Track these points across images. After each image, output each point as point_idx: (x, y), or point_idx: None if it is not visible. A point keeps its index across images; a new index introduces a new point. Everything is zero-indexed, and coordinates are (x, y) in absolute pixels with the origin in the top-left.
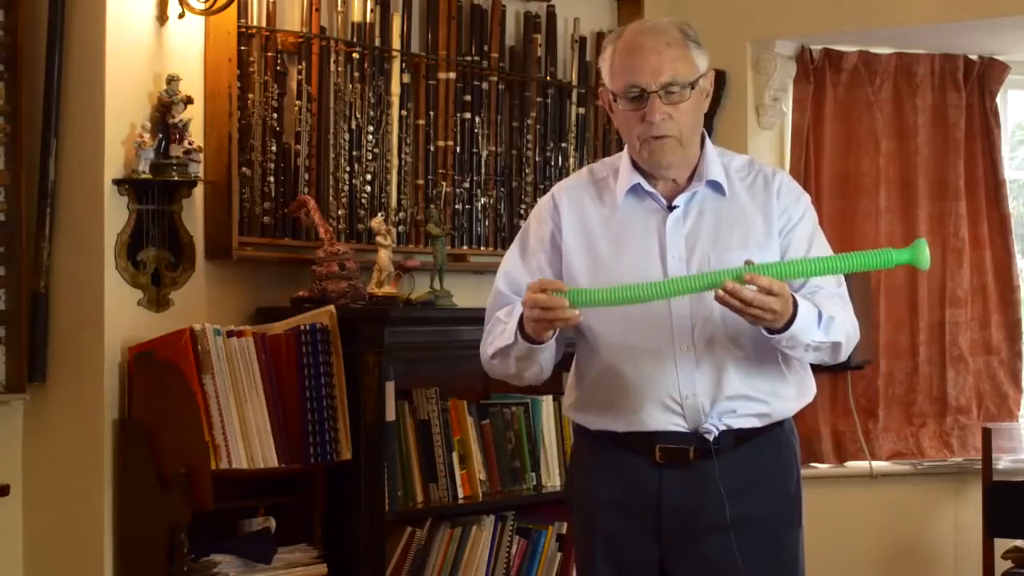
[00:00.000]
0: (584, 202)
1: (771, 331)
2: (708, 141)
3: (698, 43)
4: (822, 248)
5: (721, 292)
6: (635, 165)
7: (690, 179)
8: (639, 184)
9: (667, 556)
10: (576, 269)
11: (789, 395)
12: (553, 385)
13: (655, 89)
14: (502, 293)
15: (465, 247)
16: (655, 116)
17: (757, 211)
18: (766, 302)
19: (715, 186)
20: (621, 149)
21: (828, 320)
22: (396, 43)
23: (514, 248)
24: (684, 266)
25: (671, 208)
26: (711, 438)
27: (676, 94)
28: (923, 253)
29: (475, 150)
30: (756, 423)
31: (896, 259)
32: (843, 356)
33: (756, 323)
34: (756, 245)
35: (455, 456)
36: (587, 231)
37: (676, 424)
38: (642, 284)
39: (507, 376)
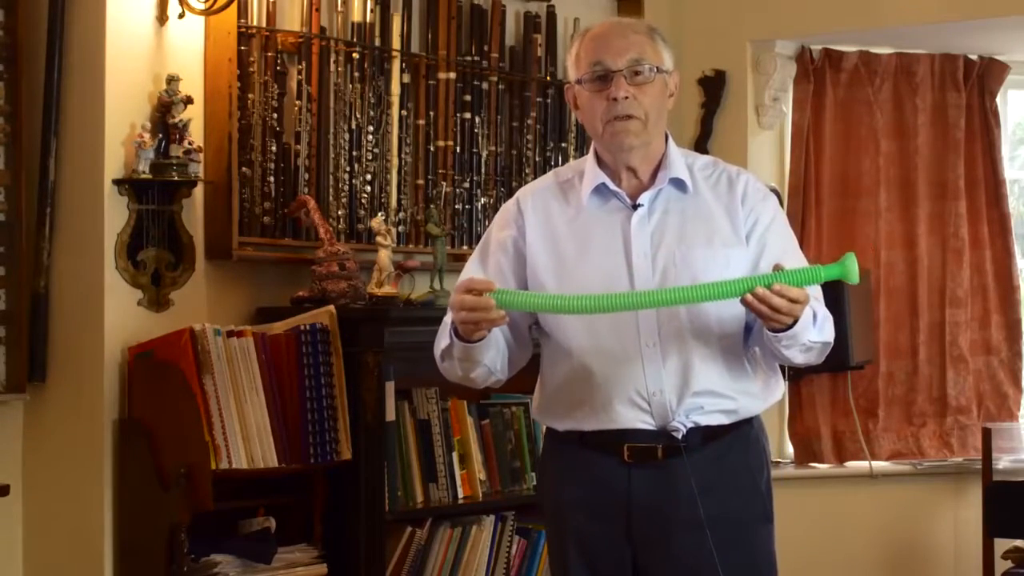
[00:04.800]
0: (549, 205)
1: (775, 329)
2: (671, 140)
3: (665, 42)
4: (794, 247)
5: (750, 297)
6: (600, 164)
7: (654, 177)
8: (604, 183)
9: (640, 555)
10: (542, 271)
11: (756, 393)
12: None
13: (620, 68)
14: None
15: (465, 247)
16: (620, 93)
17: (722, 210)
18: (793, 309)
19: (679, 184)
20: None
21: (822, 320)
22: (396, 43)
23: (475, 253)
24: (649, 264)
25: (636, 207)
26: (679, 436)
27: (641, 75)
28: (852, 268)
29: (475, 150)
30: (724, 420)
31: (825, 275)
32: (823, 359)
33: (772, 326)
34: (721, 243)
35: (455, 456)
36: (552, 233)
37: (644, 422)
38: (588, 296)
39: (460, 380)
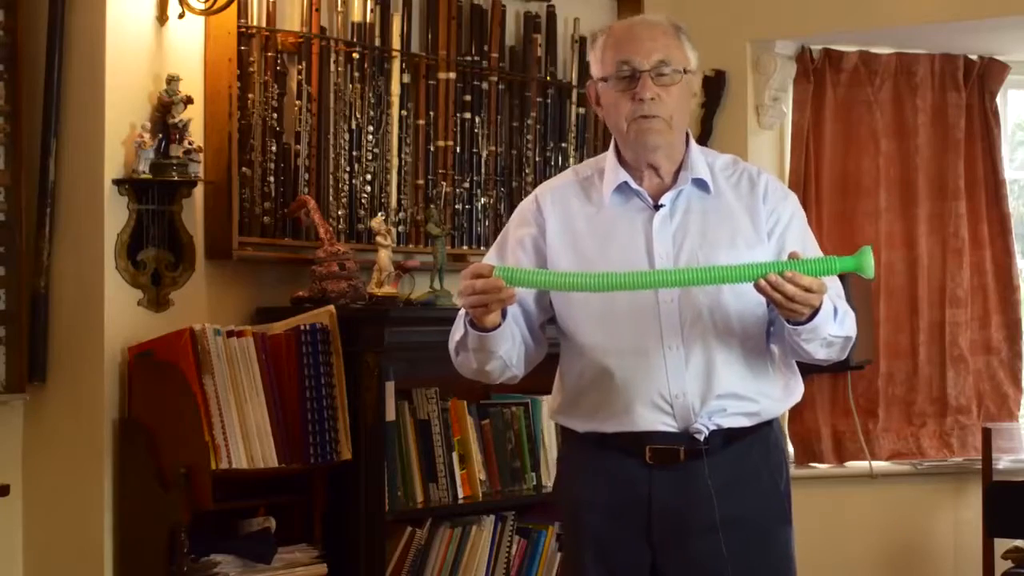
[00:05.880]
0: (569, 202)
1: (793, 322)
2: (692, 140)
3: (690, 40)
4: (813, 245)
5: (763, 283)
6: (621, 162)
7: (675, 177)
8: (626, 182)
9: (659, 558)
10: (563, 269)
11: (777, 395)
12: (552, 386)
13: (647, 68)
14: None
15: (465, 247)
16: (646, 93)
17: (743, 210)
18: (808, 299)
19: (700, 184)
20: None
21: (843, 315)
22: (396, 43)
23: (492, 249)
24: (671, 264)
25: (658, 207)
26: (701, 438)
27: (667, 76)
28: (868, 262)
29: (475, 150)
30: (745, 422)
31: (840, 266)
32: (846, 354)
33: (790, 316)
34: (744, 243)
35: (455, 456)
36: (573, 231)
37: (666, 424)
38: (594, 273)
39: (475, 374)
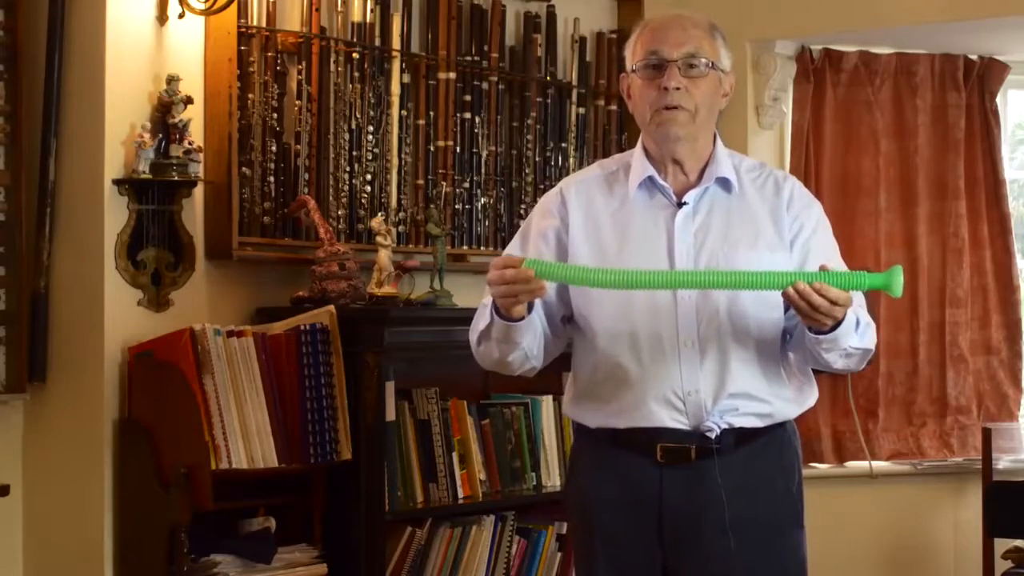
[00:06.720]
0: (593, 196)
1: (815, 331)
2: (719, 141)
3: (725, 41)
4: (837, 256)
5: (791, 290)
6: (648, 157)
7: (700, 176)
8: (652, 176)
9: (670, 557)
10: (583, 262)
11: (790, 396)
12: (553, 385)
13: (675, 58)
14: None
15: (465, 247)
16: (671, 83)
17: (767, 214)
18: (833, 311)
19: (725, 184)
20: (621, 150)
21: (865, 327)
22: (396, 43)
23: (515, 240)
24: (692, 262)
25: (681, 204)
26: (713, 436)
27: (695, 68)
28: (898, 281)
29: (475, 150)
30: (757, 423)
31: (869, 283)
32: (863, 366)
33: (812, 324)
34: (766, 246)
35: (455, 456)
36: (595, 224)
37: (677, 421)
38: (624, 270)
39: (496, 364)
